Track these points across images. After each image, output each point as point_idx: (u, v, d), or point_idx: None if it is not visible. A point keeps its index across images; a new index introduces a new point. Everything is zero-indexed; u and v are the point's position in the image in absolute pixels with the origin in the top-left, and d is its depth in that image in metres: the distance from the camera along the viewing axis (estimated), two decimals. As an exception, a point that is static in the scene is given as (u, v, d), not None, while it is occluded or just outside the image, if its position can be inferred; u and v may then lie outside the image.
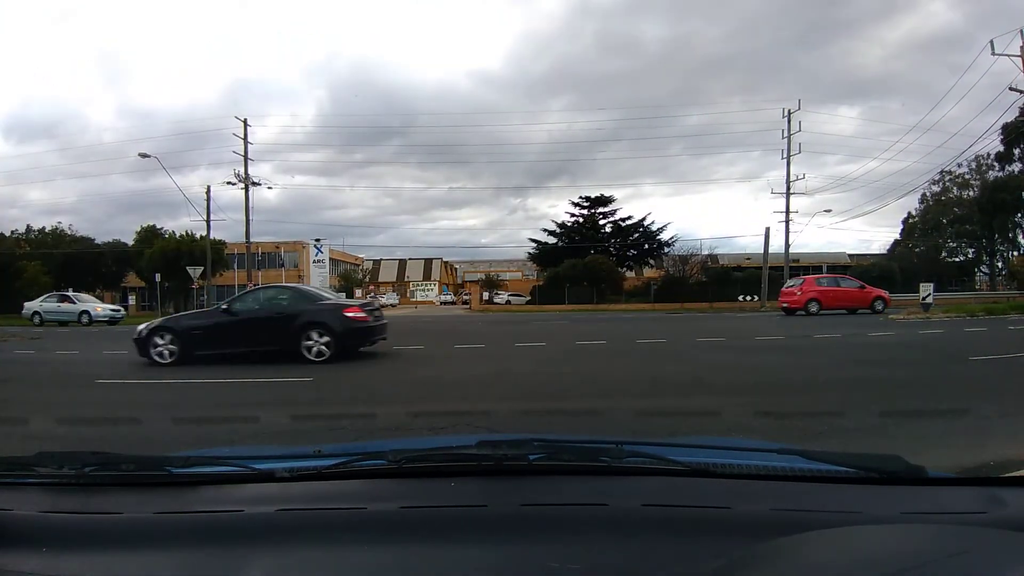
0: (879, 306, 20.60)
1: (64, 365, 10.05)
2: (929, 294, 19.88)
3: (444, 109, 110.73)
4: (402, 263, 70.04)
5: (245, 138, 32.69)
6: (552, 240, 43.56)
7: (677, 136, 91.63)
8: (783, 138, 33.82)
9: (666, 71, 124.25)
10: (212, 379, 7.51)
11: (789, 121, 33.57)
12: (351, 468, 1.11)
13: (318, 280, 42.59)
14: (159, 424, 4.92)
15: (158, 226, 40.32)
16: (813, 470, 1.10)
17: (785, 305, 21.42)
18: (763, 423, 4.49)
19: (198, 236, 35.41)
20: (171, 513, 0.97)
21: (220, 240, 36.54)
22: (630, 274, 43.20)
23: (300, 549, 0.88)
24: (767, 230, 34.33)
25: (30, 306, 24.79)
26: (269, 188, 43.36)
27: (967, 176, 39.86)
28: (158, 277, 30.07)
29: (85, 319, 23.63)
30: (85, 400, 6.36)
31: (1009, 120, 28.89)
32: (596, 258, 38.12)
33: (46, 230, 42.21)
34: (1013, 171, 36.32)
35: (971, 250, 40.98)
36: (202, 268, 29.47)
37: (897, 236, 44.42)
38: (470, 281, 58.75)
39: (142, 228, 40.42)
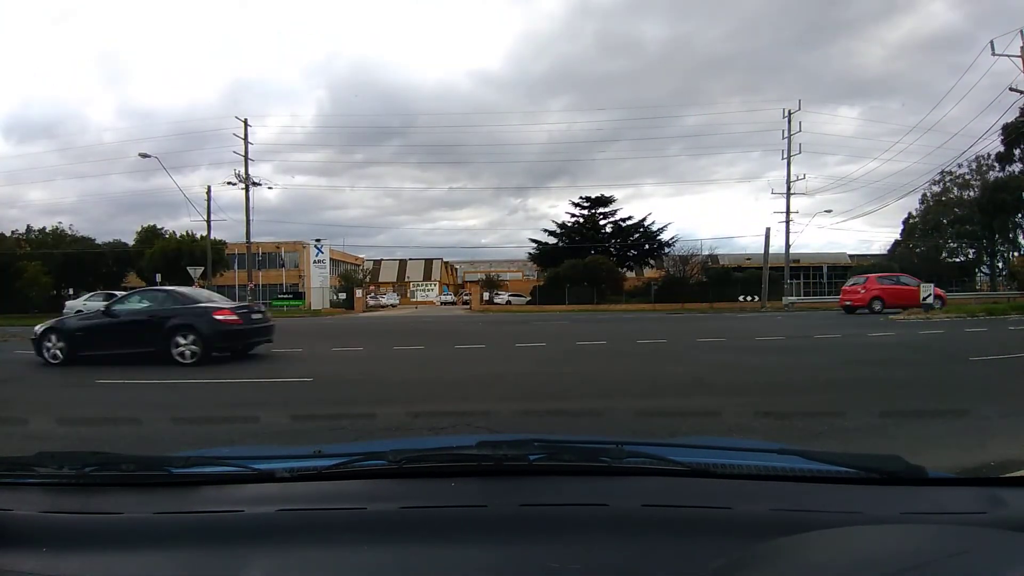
0: (936, 304, 20.19)
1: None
2: (930, 294, 19.87)
3: (444, 109, 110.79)
4: (402, 263, 70.02)
5: (245, 138, 32.78)
6: (552, 240, 43.52)
7: (677, 136, 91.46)
8: (783, 138, 33.95)
9: (666, 71, 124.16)
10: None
11: (789, 121, 33.64)
12: (351, 468, 1.10)
13: (319, 280, 42.64)
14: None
15: (158, 226, 40.39)
16: (813, 470, 1.10)
17: (848, 303, 21.37)
18: (763, 423, 4.49)
19: (198, 236, 35.42)
20: (171, 513, 0.97)
21: (220, 240, 36.53)
22: (630, 274, 43.20)
23: (300, 549, 0.88)
24: (767, 230, 34.46)
25: (72, 304, 24.16)
26: (269, 188, 43.64)
27: (967, 176, 39.95)
28: (158, 277, 30.08)
29: None
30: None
31: (1009, 120, 28.92)
32: (596, 258, 38.10)
33: (46, 230, 42.08)
34: (1013, 171, 36.29)
35: (971, 250, 41.03)
36: (203, 268, 29.45)
37: (897, 236, 44.59)
38: (470, 281, 58.68)
39: (142, 228, 40.49)
